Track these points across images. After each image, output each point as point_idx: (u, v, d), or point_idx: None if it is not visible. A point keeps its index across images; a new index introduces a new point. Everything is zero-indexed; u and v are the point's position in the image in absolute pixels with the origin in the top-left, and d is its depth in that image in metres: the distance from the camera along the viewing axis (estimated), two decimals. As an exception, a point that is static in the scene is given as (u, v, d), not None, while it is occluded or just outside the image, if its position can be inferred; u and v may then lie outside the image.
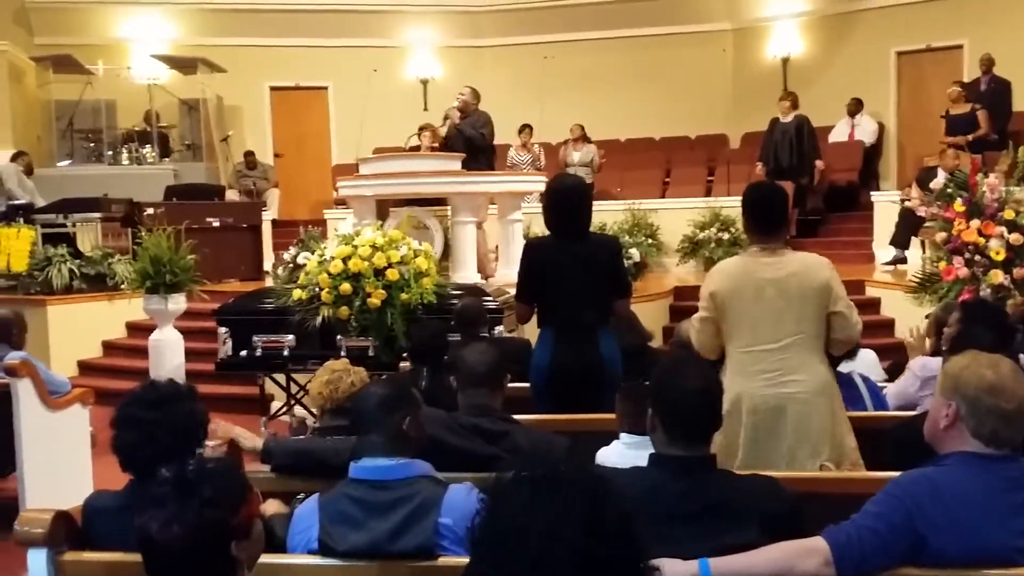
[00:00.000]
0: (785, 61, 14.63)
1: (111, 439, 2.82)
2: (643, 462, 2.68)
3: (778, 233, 3.81)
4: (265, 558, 2.54)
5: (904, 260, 10.13)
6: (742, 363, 3.68)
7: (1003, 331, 4.04)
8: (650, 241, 11.36)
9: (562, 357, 4.54)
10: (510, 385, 3.76)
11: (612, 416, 3.84)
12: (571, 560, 1.53)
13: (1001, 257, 5.97)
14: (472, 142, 9.05)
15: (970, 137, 11.12)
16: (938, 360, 4.31)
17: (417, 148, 10.21)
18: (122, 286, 9.22)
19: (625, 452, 3.54)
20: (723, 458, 3.56)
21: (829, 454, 3.66)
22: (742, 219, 3.92)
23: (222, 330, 6.95)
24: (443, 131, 9.70)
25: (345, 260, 6.35)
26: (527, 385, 4.63)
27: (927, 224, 7.35)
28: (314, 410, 4.33)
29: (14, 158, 11.72)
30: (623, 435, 3.66)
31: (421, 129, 10.61)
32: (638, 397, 3.64)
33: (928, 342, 5.02)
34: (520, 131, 12.90)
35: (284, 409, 7.31)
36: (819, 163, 12.32)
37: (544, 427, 3.85)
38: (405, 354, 5.52)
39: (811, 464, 3.59)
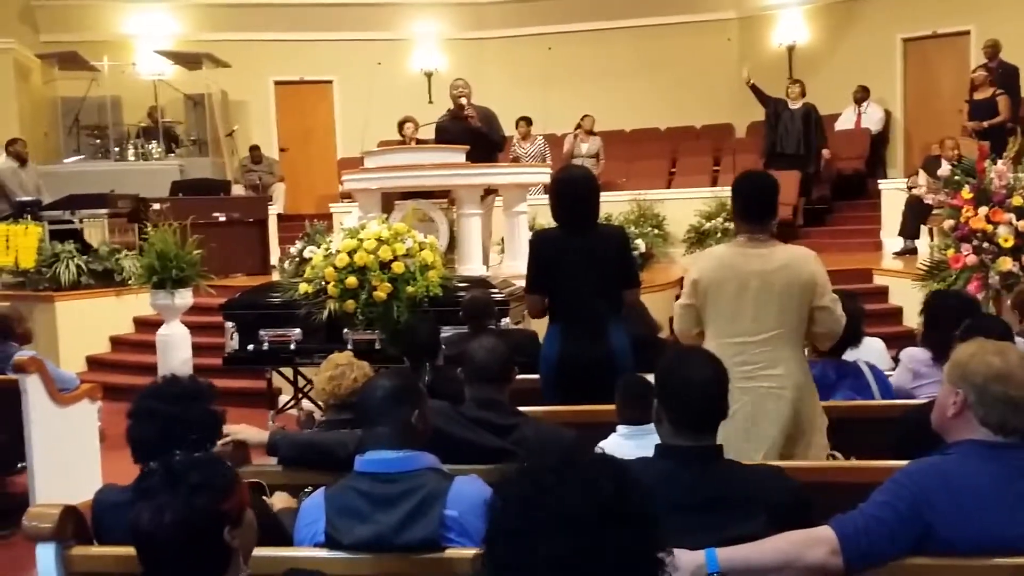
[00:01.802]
0: (791, 49, 14.57)
1: (127, 428, 2.83)
2: (641, 452, 2.68)
3: (766, 223, 3.74)
4: (272, 551, 2.55)
5: (915, 250, 10.04)
6: (719, 354, 3.60)
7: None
8: (656, 232, 11.36)
9: (571, 349, 4.52)
10: (517, 377, 3.75)
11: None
12: (606, 523, 1.56)
13: (1009, 244, 5.94)
14: (496, 147, 8.93)
15: (984, 124, 10.86)
16: (922, 349, 4.31)
17: (403, 141, 10.25)
18: (129, 281, 9.24)
19: (623, 443, 3.54)
20: None
21: (804, 447, 3.62)
22: (731, 206, 3.84)
23: (229, 324, 6.96)
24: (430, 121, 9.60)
25: (351, 254, 6.35)
26: (534, 377, 4.61)
27: (935, 212, 7.31)
28: (320, 403, 4.34)
29: (6, 147, 11.37)
30: (620, 427, 3.65)
31: (403, 122, 10.61)
32: (635, 388, 3.64)
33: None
34: (517, 124, 12.66)
35: (292, 403, 7.33)
36: (825, 152, 12.26)
37: (552, 419, 3.84)
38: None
39: (787, 456, 3.53)
